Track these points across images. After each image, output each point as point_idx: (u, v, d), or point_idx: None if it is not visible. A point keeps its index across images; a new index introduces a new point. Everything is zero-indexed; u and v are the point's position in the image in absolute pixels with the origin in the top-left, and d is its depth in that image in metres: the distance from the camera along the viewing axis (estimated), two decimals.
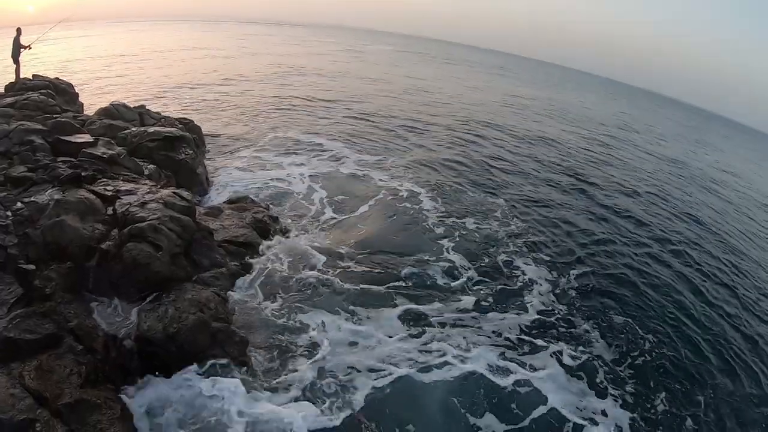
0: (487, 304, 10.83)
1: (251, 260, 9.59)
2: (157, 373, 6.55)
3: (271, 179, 14.98)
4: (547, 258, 13.64)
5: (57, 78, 17.55)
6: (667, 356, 10.38)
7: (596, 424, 8.06)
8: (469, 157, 22.45)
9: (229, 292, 8.32)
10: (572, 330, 10.52)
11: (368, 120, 26.30)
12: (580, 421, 8.05)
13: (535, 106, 44.89)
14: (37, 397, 5.27)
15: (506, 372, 8.79)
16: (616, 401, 8.70)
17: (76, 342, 6.37)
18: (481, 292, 11.21)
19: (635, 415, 8.49)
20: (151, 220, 8.19)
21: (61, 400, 5.37)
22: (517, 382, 8.59)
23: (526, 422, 7.90)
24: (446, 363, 8.67)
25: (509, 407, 8.12)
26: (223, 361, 6.77)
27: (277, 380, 7.16)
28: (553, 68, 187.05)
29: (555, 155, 26.11)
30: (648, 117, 69.44)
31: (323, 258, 10.89)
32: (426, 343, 9.08)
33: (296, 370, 7.46)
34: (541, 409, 8.17)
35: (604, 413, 8.35)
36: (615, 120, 50.20)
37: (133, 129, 13.43)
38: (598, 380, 9.11)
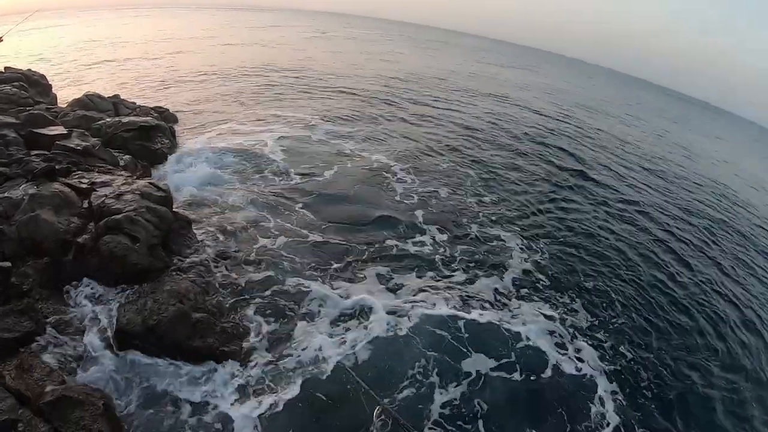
0: (462, 264, 11.87)
1: (228, 248, 9.57)
2: None
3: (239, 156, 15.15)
4: (518, 223, 14.78)
5: (29, 70, 17.24)
6: (633, 307, 11.77)
7: (575, 361, 9.37)
8: (442, 128, 24.12)
9: (210, 279, 8.31)
10: (548, 288, 11.64)
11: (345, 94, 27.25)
12: (559, 357, 9.34)
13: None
14: (18, 396, 5.23)
15: (487, 318, 9.92)
16: (591, 345, 9.96)
17: (55, 338, 6.36)
18: (455, 254, 12.19)
19: (608, 355, 9.88)
20: (127, 211, 8.13)
21: (43, 399, 5.31)
22: (498, 326, 9.76)
23: (512, 358, 9.05)
24: (425, 311, 9.68)
25: (493, 346, 9.22)
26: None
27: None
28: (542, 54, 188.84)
29: (526, 129, 27.38)
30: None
31: (299, 230, 11.45)
32: (406, 298, 10.03)
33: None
34: (523, 348, 9.38)
35: (579, 356, 9.59)
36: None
37: (108, 120, 13.27)
38: (573, 328, 10.33)
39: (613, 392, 8.95)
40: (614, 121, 40.77)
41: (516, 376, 8.75)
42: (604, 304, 11.55)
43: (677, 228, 18.10)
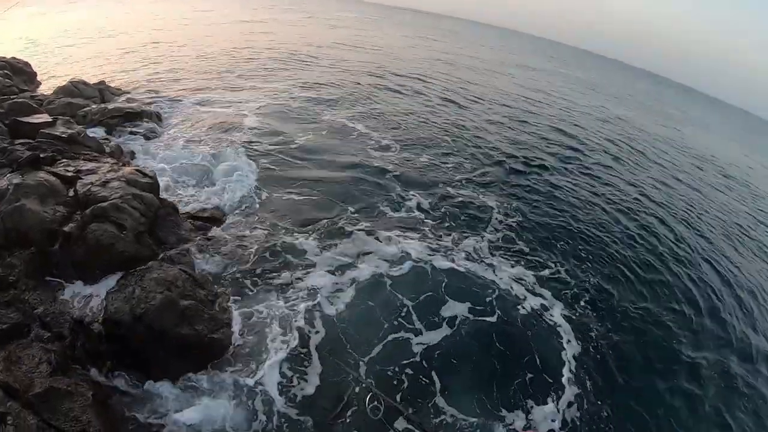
0: (443, 221, 12.99)
1: (216, 233, 9.51)
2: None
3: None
4: (500, 186, 16.18)
5: (13, 58, 17.04)
6: (601, 264, 12.91)
7: (541, 308, 10.46)
8: (423, 99, 26.10)
9: (198, 263, 8.28)
10: (523, 243, 12.77)
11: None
12: (527, 304, 10.45)
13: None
14: (6, 389, 5.18)
15: (465, 268, 11.05)
16: (557, 295, 11.07)
17: (43, 329, 6.30)
18: (437, 212, 13.33)
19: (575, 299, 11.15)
20: (113, 199, 8.06)
21: (32, 391, 5.27)
22: (474, 276, 10.89)
23: (486, 303, 10.12)
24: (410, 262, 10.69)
25: (471, 293, 10.29)
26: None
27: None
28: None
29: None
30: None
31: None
32: (388, 251, 10.96)
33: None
34: (497, 295, 10.45)
35: (546, 303, 10.68)
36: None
37: (94, 106, 13.17)
38: (542, 279, 11.44)
39: (576, 337, 9.92)
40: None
41: (490, 319, 9.72)
42: (574, 262, 12.61)
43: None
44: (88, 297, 7.08)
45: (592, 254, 13.26)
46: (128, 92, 16.26)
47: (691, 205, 20.79)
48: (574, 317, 10.46)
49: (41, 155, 9.12)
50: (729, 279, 14.76)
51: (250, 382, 6.81)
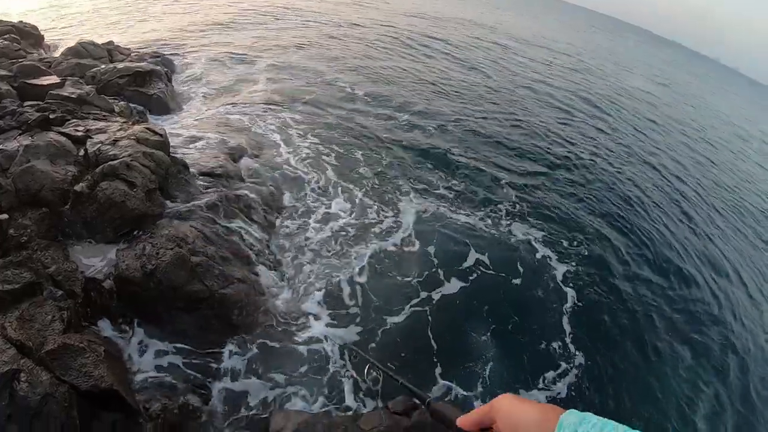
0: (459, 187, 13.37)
1: (228, 188, 9.43)
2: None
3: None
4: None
5: (21, 21, 16.88)
6: (606, 235, 13.33)
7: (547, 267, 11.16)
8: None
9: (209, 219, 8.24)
10: (535, 213, 13.15)
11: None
12: (537, 266, 11.05)
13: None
14: (19, 347, 5.18)
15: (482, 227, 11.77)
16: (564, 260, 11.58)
17: (55, 288, 6.28)
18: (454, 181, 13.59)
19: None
20: (123, 157, 7.97)
21: (45, 348, 5.28)
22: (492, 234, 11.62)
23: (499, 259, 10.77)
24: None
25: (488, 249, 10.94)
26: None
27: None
28: None
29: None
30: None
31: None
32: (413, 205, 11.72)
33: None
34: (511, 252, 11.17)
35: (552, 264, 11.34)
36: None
37: (102, 66, 13.00)
38: (552, 244, 11.97)
39: (577, 301, 10.47)
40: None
41: (504, 274, 10.40)
42: (583, 231, 13.10)
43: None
44: (99, 255, 7.05)
45: (600, 228, 13.61)
46: (137, 51, 16.08)
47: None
48: (575, 286, 10.86)
49: (50, 116, 9.04)
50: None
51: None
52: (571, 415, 1.19)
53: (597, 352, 9.41)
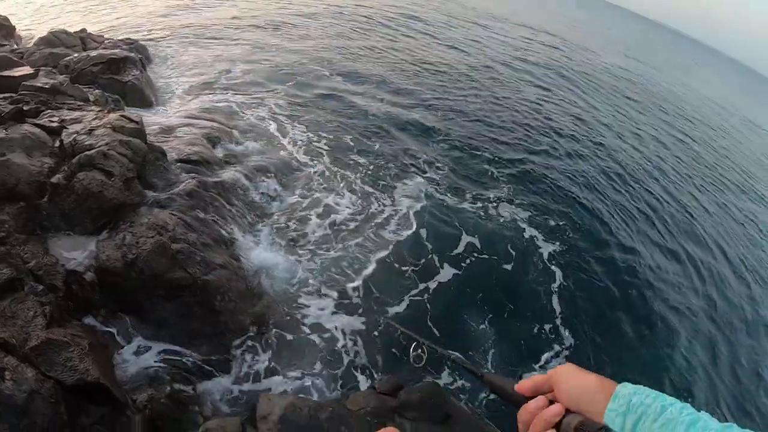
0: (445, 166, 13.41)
1: (207, 174, 9.36)
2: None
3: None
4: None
5: None
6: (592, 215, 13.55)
7: (535, 246, 11.42)
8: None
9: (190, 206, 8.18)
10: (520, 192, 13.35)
11: None
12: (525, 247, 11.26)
13: None
14: (2, 345, 5.10)
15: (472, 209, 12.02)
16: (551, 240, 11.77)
17: (36, 283, 6.18)
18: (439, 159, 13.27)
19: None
20: (99, 146, 7.83)
21: (28, 344, 5.21)
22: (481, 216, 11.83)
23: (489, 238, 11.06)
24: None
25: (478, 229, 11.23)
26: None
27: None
28: None
29: None
30: None
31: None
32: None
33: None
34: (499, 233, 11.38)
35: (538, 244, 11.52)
36: None
37: (76, 55, 12.76)
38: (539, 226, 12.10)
39: (563, 282, 10.61)
40: None
41: (495, 257, 10.59)
42: (566, 209, 13.26)
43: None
44: (80, 247, 6.95)
45: (589, 210, 13.76)
46: (111, 38, 15.80)
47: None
48: (562, 264, 11.08)
49: (24, 108, 8.85)
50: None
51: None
52: (626, 387, 1.28)
53: (585, 330, 9.61)
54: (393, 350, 7.65)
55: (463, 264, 10.10)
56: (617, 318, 10.33)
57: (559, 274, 10.63)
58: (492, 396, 7.54)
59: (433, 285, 9.33)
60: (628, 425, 1.21)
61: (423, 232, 10.43)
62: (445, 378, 7.58)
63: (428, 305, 8.87)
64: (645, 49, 74.35)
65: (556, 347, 9.05)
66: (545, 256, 11.02)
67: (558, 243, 11.50)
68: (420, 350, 2.33)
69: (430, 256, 9.95)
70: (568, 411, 1.34)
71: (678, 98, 37.99)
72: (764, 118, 56.20)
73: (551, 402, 1.39)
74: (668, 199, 16.66)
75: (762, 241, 17.99)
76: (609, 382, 1.32)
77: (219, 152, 10.36)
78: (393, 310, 8.50)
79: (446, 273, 9.71)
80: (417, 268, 9.53)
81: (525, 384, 1.47)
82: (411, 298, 8.91)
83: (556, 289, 10.25)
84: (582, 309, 10.08)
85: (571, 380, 1.37)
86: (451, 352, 2.03)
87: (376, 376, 7.14)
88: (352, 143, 13.07)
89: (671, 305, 11.35)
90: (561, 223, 12.30)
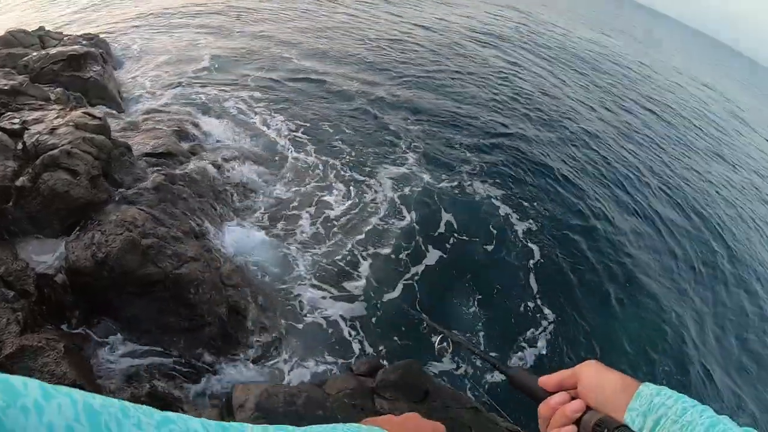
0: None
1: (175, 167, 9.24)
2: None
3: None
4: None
5: None
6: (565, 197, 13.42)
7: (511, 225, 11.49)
8: None
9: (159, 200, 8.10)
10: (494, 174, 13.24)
11: None
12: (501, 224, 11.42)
13: None
14: None
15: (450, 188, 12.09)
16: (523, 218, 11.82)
17: (7, 289, 6.08)
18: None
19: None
20: (63, 145, 7.68)
21: (3, 353, 5.14)
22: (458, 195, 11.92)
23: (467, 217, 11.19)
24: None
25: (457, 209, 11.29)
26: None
27: None
28: None
29: None
30: None
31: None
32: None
33: None
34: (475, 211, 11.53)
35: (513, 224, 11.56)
36: None
37: (35, 54, 12.50)
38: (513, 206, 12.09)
39: (540, 260, 10.75)
40: None
41: (476, 238, 10.71)
42: (537, 185, 13.36)
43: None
44: (49, 250, 6.86)
45: (560, 191, 13.65)
46: (70, 35, 15.48)
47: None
48: (536, 243, 11.17)
49: None
50: None
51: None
52: (648, 387, 1.29)
53: (565, 305, 9.81)
54: (368, 343, 7.73)
55: (447, 245, 10.21)
56: (596, 289, 10.51)
57: (536, 250, 10.76)
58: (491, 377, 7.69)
59: (421, 268, 9.45)
60: (648, 425, 1.23)
61: (408, 216, 10.52)
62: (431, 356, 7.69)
63: (417, 289, 9.02)
64: (615, 24, 74.70)
65: (543, 323, 9.23)
66: (520, 233, 11.12)
67: (531, 220, 11.61)
68: (445, 343, 2.35)
69: (417, 238, 10.05)
70: (588, 408, 1.36)
71: (649, 70, 38.32)
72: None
73: (573, 399, 1.41)
74: (640, 167, 16.86)
75: (737, 202, 18.33)
76: (632, 381, 1.33)
77: (186, 144, 10.23)
78: (388, 296, 8.66)
79: (432, 256, 9.83)
80: (404, 253, 9.64)
81: (549, 379, 1.49)
82: (404, 282, 9.06)
83: (534, 266, 10.41)
84: (560, 283, 10.28)
85: (594, 377, 1.38)
86: (475, 346, 2.07)
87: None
88: (325, 126, 13.07)
89: (648, 273, 11.55)
90: (533, 199, 12.42)
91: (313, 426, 1.06)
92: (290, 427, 0.99)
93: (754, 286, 13.40)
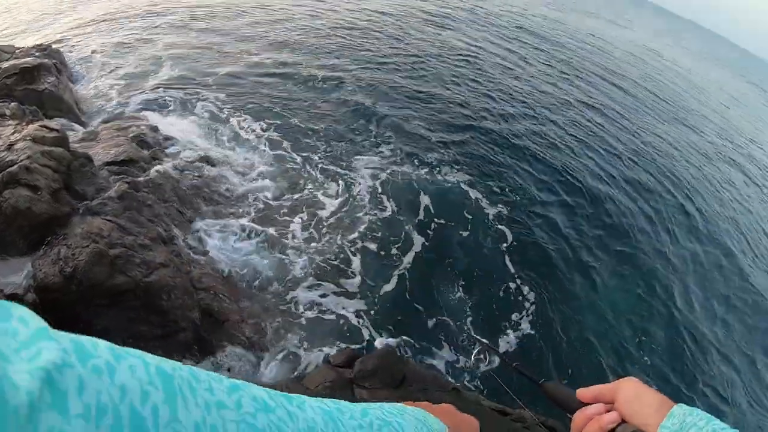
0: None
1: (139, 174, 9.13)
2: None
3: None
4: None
5: None
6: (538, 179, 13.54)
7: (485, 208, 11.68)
8: None
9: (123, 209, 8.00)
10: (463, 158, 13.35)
11: None
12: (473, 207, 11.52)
13: None
14: None
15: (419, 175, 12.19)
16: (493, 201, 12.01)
17: None
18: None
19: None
20: (21, 161, 7.55)
21: None
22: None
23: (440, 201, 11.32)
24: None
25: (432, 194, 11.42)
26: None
27: None
28: None
29: None
30: None
31: None
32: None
33: None
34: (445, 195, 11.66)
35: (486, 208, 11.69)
36: None
37: None
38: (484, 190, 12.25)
39: (513, 241, 10.94)
40: None
41: (452, 223, 10.85)
42: (507, 169, 13.49)
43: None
44: (17, 269, 6.74)
45: (536, 174, 13.75)
46: (22, 48, 15.17)
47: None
48: (509, 223, 11.46)
49: None
50: None
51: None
52: (681, 408, 1.34)
53: (542, 284, 10.02)
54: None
55: (429, 232, 10.37)
56: (575, 263, 10.70)
57: (507, 233, 10.90)
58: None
59: (409, 257, 9.62)
60: None
61: (389, 206, 10.62)
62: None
63: (408, 283, 9.09)
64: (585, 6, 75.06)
65: (526, 305, 9.42)
66: (491, 216, 11.33)
67: (500, 205, 11.79)
68: (483, 355, 2.45)
69: (399, 229, 10.19)
70: (623, 421, 1.42)
71: (609, 45, 38.67)
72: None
73: (608, 411, 1.48)
74: (607, 137, 17.09)
75: (703, 164, 18.64)
76: (667, 401, 1.39)
77: (147, 150, 10.09)
78: (383, 290, 8.77)
79: (417, 244, 9.98)
80: (393, 244, 9.79)
81: (587, 391, 1.55)
82: (397, 274, 9.19)
83: (509, 247, 10.64)
84: (538, 262, 10.52)
85: (633, 392, 1.44)
86: (510, 359, 2.13)
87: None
88: (292, 118, 13.10)
89: (625, 240, 11.72)
90: (502, 178, 12.55)
91: (362, 403, 1.09)
92: (344, 402, 1.04)
93: (728, 244, 13.69)
